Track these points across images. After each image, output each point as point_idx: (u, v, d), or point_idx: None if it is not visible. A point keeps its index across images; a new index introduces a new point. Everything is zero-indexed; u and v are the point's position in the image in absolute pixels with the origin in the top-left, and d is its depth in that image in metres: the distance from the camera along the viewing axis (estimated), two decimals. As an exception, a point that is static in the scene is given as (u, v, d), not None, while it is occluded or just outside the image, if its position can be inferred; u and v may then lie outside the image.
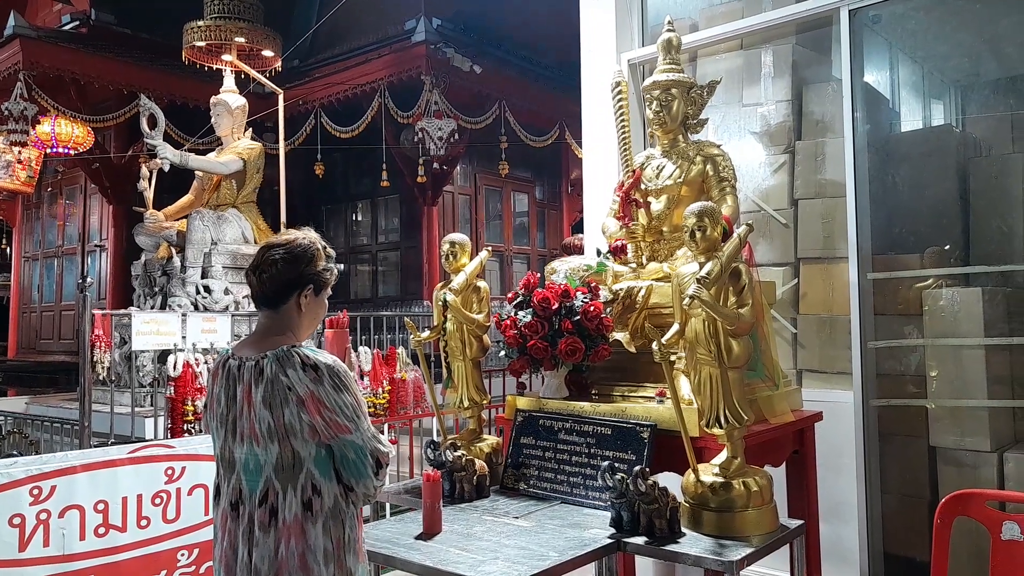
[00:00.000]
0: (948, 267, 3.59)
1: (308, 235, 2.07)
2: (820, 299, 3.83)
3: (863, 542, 3.45)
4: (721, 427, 2.39)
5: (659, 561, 3.71)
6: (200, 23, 9.75)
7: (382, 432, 5.40)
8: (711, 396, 2.39)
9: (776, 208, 3.98)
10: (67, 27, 11.91)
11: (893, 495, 3.54)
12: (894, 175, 3.80)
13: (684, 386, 2.62)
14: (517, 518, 2.54)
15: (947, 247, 3.65)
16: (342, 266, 13.50)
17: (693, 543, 2.30)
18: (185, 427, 4.98)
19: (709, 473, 2.44)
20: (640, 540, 2.32)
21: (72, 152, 10.80)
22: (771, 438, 2.78)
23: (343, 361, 2.02)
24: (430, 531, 2.41)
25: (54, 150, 10.64)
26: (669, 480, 2.50)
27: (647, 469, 2.39)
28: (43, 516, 2.98)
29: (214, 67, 9.97)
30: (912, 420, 3.53)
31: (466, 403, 3.06)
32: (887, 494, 3.53)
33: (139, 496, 3.23)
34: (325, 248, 2.08)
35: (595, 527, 2.42)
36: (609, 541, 2.32)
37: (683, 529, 2.39)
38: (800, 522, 2.55)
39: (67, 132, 10.43)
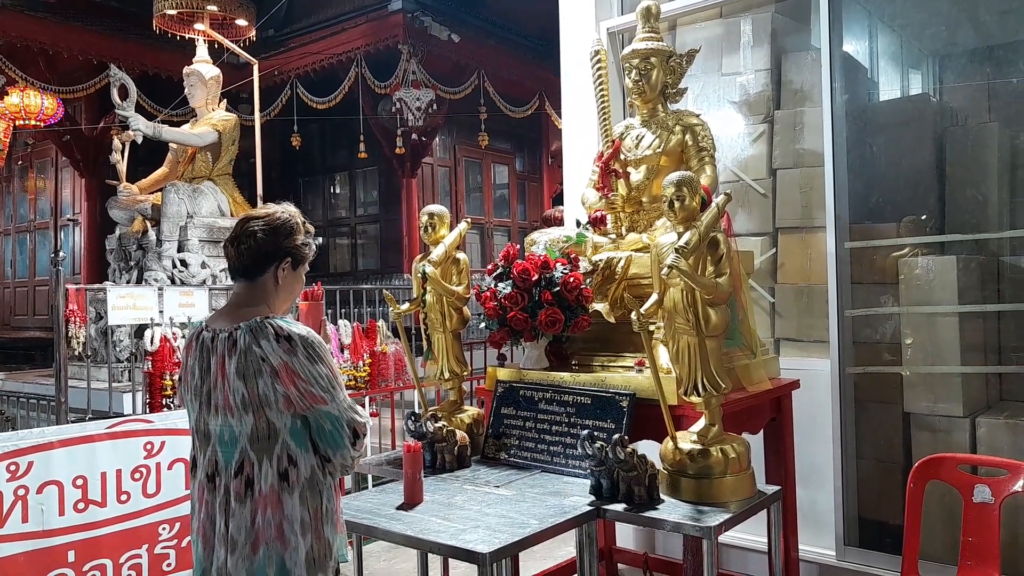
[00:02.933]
0: (924, 236, 3.62)
1: (288, 209, 2.07)
2: (798, 268, 3.85)
3: (838, 507, 3.52)
4: (699, 395, 2.41)
5: (639, 527, 3.77)
6: (171, -10, 9.52)
7: (363, 405, 5.42)
8: (689, 365, 2.41)
9: (754, 178, 3.99)
10: (34, -5, 11.59)
11: (868, 460, 3.60)
12: (872, 144, 3.82)
13: (663, 355, 2.64)
14: (498, 487, 2.56)
15: (923, 216, 3.68)
16: (320, 240, 13.42)
17: (672, 509, 2.33)
18: (164, 401, 4.95)
19: (687, 441, 2.47)
20: (619, 507, 2.35)
21: (42, 124, 10.57)
22: (749, 406, 2.81)
23: (318, 333, 2.01)
24: (411, 501, 2.43)
25: (23, 122, 10.40)
26: (648, 448, 2.53)
27: (626, 437, 2.41)
28: (21, 492, 2.96)
29: (186, 36, 9.76)
30: (887, 387, 3.58)
31: (446, 375, 3.06)
32: (862, 460, 3.59)
33: (118, 471, 3.21)
34: (305, 223, 2.08)
35: (575, 495, 2.45)
36: (589, 508, 2.35)
37: (662, 496, 2.42)
38: (777, 488, 2.59)
39: (36, 103, 10.20)
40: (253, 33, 10.29)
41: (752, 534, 3.50)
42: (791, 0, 3.95)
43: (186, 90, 8.90)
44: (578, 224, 3.21)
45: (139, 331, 6.41)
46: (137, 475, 3.27)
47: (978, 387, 3.49)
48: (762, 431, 3.06)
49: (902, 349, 3.56)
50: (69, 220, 12.95)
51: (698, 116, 3.22)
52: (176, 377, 5.01)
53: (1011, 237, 3.52)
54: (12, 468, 2.95)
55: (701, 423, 2.49)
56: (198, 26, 9.39)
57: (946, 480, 2.88)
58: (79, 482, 3.11)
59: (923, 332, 3.51)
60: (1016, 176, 3.57)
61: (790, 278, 3.88)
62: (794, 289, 3.87)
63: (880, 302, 3.63)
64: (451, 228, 3.12)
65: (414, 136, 11.60)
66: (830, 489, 3.53)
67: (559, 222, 4.95)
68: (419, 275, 2.97)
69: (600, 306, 2.95)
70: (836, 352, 3.53)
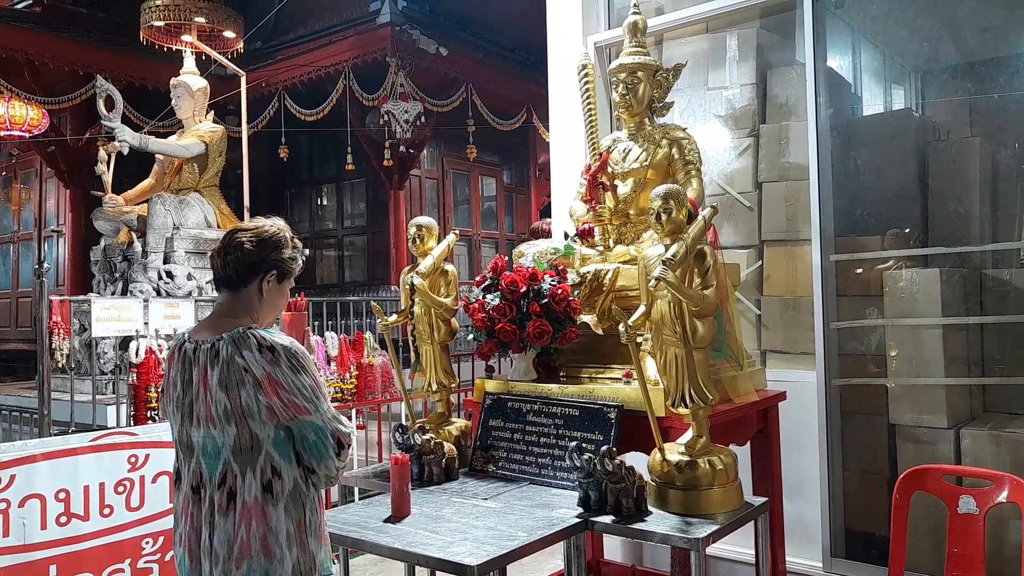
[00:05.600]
0: (907, 249, 3.66)
1: (277, 223, 2.08)
2: (783, 281, 3.88)
3: (825, 518, 3.53)
4: (687, 407, 2.42)
5: (626, 539, 3.76)
6: (158, 1, 9.50)
7: (349, 417, 5.39)
8: (677, 376, 2.42)
9: (740, 191, 4.02)
10: (19, 6, 11.55)
11: (854, 472, 3.62)
12: (856, 158, 3.86)
13: (650, 367, 2.65)
14: (486, 499, 2.56)
15: (907, 229, 3.72)
16: (307, 251, 13.38)
17: (659, 521, 2.33)
18: (148, 414, 4.91)
19: (675, 452, 2.47)
20: (607, 519, 2.35)
21: (27, 135, 10.49)
22: (736, 417, 2.82)
23: (301, 344, 2.01)
24: (399, 514, 2.42)
25: (8, 133, 10.32)
26: (636, 460, 2.53)
27: (614, 449, 2.42)
28: (2, 506, 2.92)
29: (174, 48, 9.75)
30: (872, 399, 3.61)
31: (434, 387, 3.06)
32: (848, 471, 3.61)
33: (101, 484, 3.18)
34: (293, 238, 2.09)
35: (563, 507, 2.45)
36: (577, 520, 2.34)
37: (650, 508, 2.42)
38: (764, 499, 2.59)
39: (21, 114, 10.11)
40: (241, 45, 10.30)
41: (739, 546, 3.50)
42: (776, 16, 3.99)
43: (173, 101, 8.88)
44: (566, 236, 3.23)
45: (124, 343, 6.36)
46: (121, 488, 3.23)
47: (962, 399, 3.52)
48: (749, 443, 3.07)
49: (887, 361, 3.58)
50: (53, 231, 12.85)
51: (684, 130, 3.25)
52: (159, 389, 4.97)
53: (993, 250, 3.56)
54: (-6, 482, 2.92)
55: (688, 435, 2.50)
56: (185, 38, 9.38)
57: (931, 491, 2.90)
58: (62, 496, 3.07)
59: (907, 344, 3.54)
60: (998, 190, 3.62)
61: (776, 290, 3.91)
62: (780, 301, 3.89)
63: (865, 314, 3.66)
64: (439, 240, 3.12)
65: (402, 148, 11.60)
66: (816, 500, 3.54)
67: (547, 234, 4.97)
68: (407, 287, 2.96)
69: (588, 318, 2.96)
70: (822, 364, 3.55)
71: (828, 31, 3.78)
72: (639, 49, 3.22)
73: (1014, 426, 3.35)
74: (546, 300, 2.85)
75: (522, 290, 2.88)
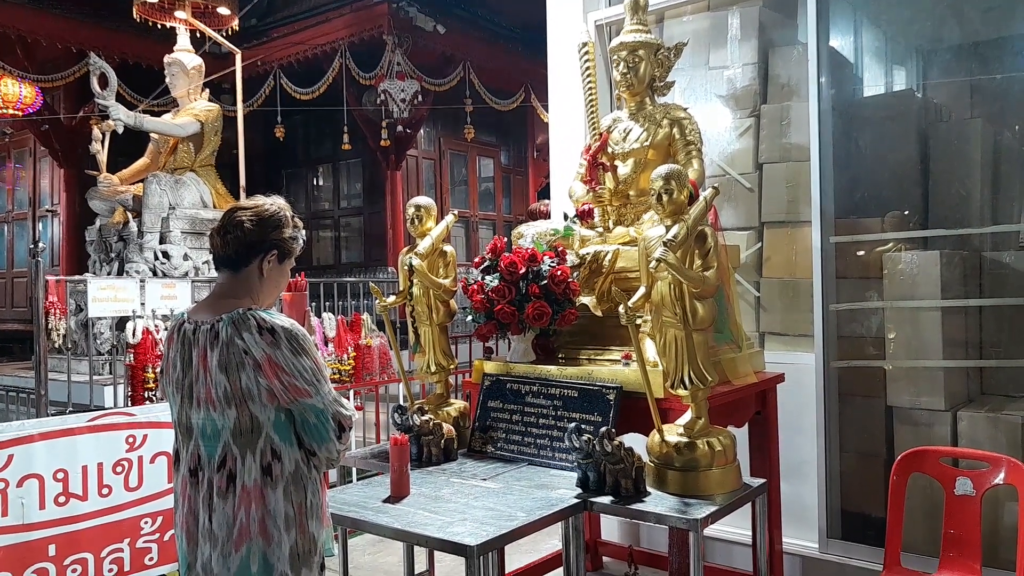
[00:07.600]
0: (907, 231, 3.65)
1: (277, 201, 2.04)
2: (783, 263, 3.87)
3: (822, 499, 3.54)
4: (686, 388, 2.42)
5: (624, 520, 3.78)
6: (151, -22, 9.37)
7: (347, 398, 5.39)
8: (676, 358, 2.42)
9: (741, 172, 4.00)
10: (11, -19, 11.40)
11: (851, 454, 3.63)
12: (857, 140, 3.84)
13: (650, 348, 2.64)
14: (485, 480, 2.56)
15: (907, 211, 3.71)
16: (304, 232, 13.33)
17: (658, 502, 2.34)
18: (146, 394, 4.90)
19: (674, 433, 2.47)
20: (606, 500, 2.36)
21: (20, 113, 10.40)
22: (734, 399, 2.82)
23: (302, 325, 1.99)
24: (398, 494, 2.42)
25: (1, 111, 10.23)
26: (635, 441, 2.54)
27: (613, 430, 2.42)
28: (0, 486, 2.92)
29: (167, 25, 9.63)
30: (871, 381, 3.61)
31: (433, 368, 3.05)
32: (846, 453, 3.62)
33: (99, 464, 3.18)
34: (293, 217, 2.06)
35: (562, 487, 2.45)
36: (576, 501, 2.35)
37: (648, 488, 2.42)
38: (762, 481, 2.60)
39: (14, 92, 10.02)
40: (236, 22, 10.17)
41: (736, 527, 3.52)
42: (778, -5, 3.96)
43: (167, 80, 8.78)
44: (566, 217, 3.21)
45: (121, 323, 6.34)
46: (119, 468, 3.24)
47: (959, 381, 3.53)
48: (747, 425, 3.08)
49: (886, 343, 3.58)
50: (48, 211, 12.76)
51: (685, 110, 3.23)
52: (159, 370, 4.96)
53: (993, 232, 3.55)
54: (-9, 462, 2.91)
55: (687, 416, 2.50)
56: (179, 14, 9.25)
57: (928, 473, 2.91)
58: (60, 475, 3.07)
59: (906, 326, 3.54)
60: (999, 172, 3.60)
61: (775, 272, 3.90)
62: (779, 283, 3.88)
63: (864, 296, 3.66)
64: (438, 221, 3.10)
65: (399, 128, 11.53)
66: (814, 482, 3.55)
67: (545, 216, 4.95)
68: (406, 268, 2.95)
69: (587, 299, 2.95)
70: (820, 346, 3.55)
71: (831, 10, 3.74)
72: (640, 27, 3.19)
73: (1011, 408, 3.36)
74: (545, 281, 2.84)
75: (521, 271, 2.87)
